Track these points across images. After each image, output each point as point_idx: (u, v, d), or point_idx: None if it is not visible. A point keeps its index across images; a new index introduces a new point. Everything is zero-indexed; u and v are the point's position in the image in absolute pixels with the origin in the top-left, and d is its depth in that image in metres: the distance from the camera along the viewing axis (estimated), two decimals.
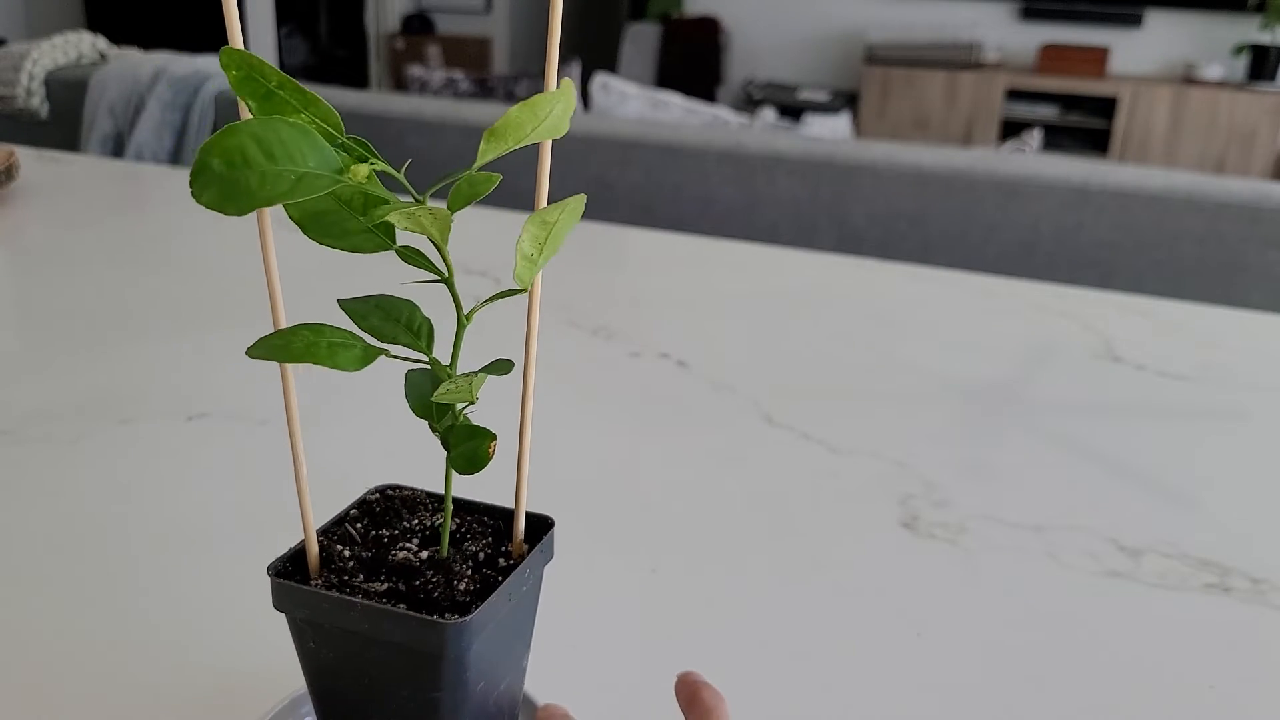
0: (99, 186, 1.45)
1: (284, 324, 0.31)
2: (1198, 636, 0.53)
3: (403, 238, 0.31)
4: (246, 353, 0.29)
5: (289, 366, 0.32)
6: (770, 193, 1.85)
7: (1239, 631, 0.53)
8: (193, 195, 0.26)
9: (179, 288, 1.00)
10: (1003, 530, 0.61)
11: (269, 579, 0.33)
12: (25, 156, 1.43)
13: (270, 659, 0.47)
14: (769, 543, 0.59)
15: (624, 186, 1.73)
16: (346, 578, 0.33)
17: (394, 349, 0.32)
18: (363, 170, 0.28)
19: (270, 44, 4.82)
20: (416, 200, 0.29)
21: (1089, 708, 0.47)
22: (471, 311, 0.32)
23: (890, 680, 0.48)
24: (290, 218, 0.30)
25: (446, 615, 0.31)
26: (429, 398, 0.33)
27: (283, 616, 0.50)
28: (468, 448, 0.33)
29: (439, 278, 0.31)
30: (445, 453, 0.33)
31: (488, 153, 0.29)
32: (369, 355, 0.31)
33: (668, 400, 0.77)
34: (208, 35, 4.48)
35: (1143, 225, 1.60)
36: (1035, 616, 0.54)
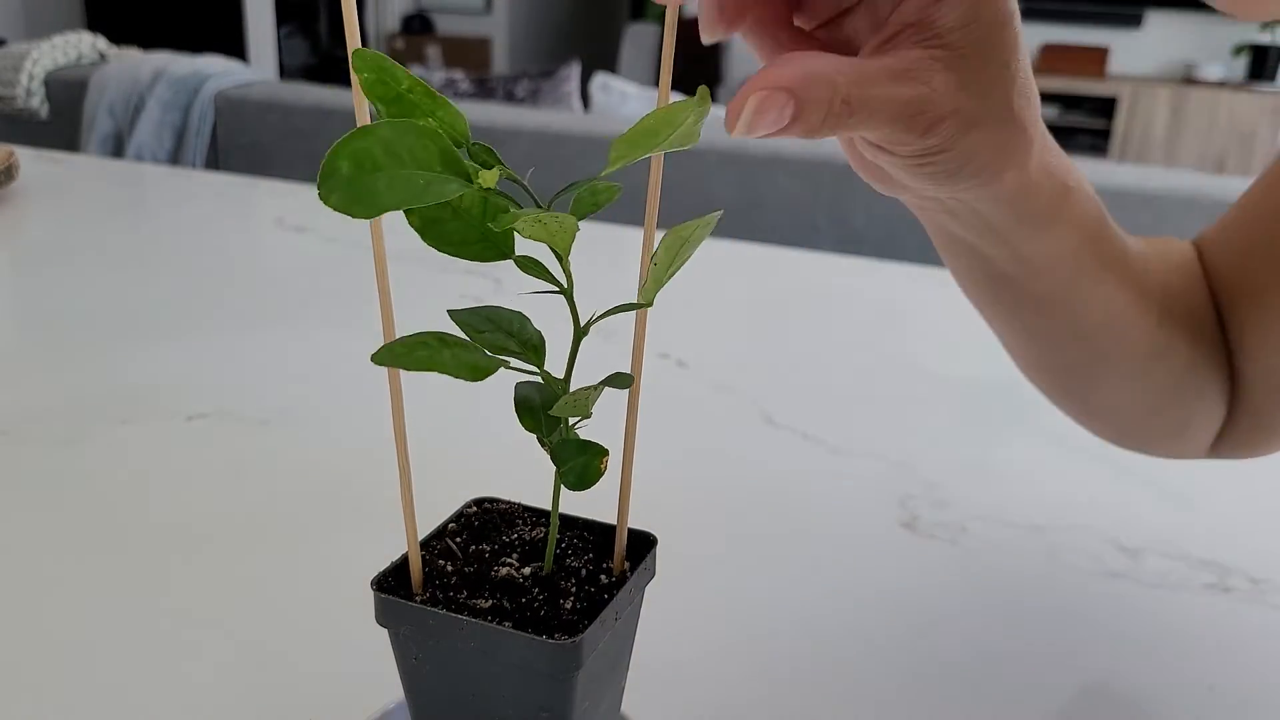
0: (99, 186, 1.45)
1: (396, 334, 0.30)
2: (1198, 636, 0.53)
3: (520, 246, 0.30)
4: (371, 359, 0.29)
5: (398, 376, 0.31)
6: (770, 193, 1.85)
7: (1239, 631, 0.53)
8: (320, 197, 0.25)
9: (179, 288, 1.00)
10: (1003, 530, 0.61)
11: (372, 592, 0.33)
12: (25, 156, 1.43)
13: (271, 661, 0.47)
14: (768, 543, 0.59)
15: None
16: (451, 593, 0.33)
17: (510, 361, 0.32)
18: (491, 176, 0.27)
19: (270, 44, 4.81)
20: (540, 208, 0.29)
21: (1089, 708, 0.47)
22: (589, 323, 0.31)
23: (890, 680, 0.48)
24: (410, 224, 0.29)
25: (557, 635, 0.31)
26: (539, 411, 0.33)
27: (288, 621, 0.50)
28: (579, 463, 0.32)
29: (558, 289, 0.31)
30: (554, 468, 0.33)
31: (618, 160, 0.29)
32: (490, 367, 0.30)
33: (668, 400, 0.77)
34: (208, 35, 4.48)
35: (1143, 225, 1.60)
36: (1035, 616, 0.54)
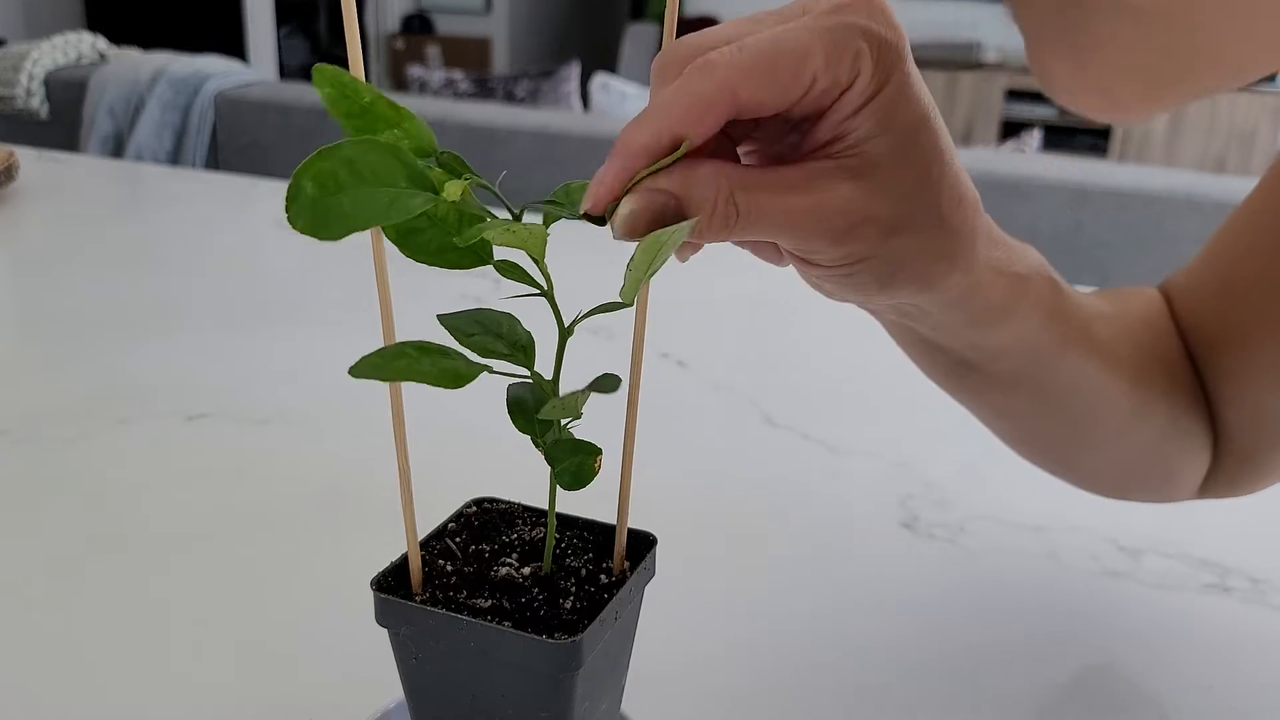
0: (99, 186, 1.45)
1: (396, 335, 0.30)
2: (1198, 636, 0.53)
3: (499, 252, 0.31)
4: (349, 372, 0.28)
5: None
6: None
7: (1239, 631, 0.53)
8: (288, 220, 0.25)
9: (179, 288, 1.00)
10: (1003, 530, 0.61)
11: (372, 593, 0.33)
12: (25, 156, 1.43)
13: (270, 661, 0.47)
14: (768, 543, 0.59)
15: None
16: (450, 593, 0.33)
17: (495, 364, 0.31)
18: (456, 189, 0.27)
19: (270, 44, 4.81)
20: (513, 214, 0.29)
21: (1088, 708, 0.47)
22: (572, 324, 0.31)
23: (889, 680, 0.48)
24: (387, 237, 0.29)
25: (557, 635, 0.31)
26: (532, 413, 0.33)
27: (287, 621, 0.50)
28: (572, 463, 0.33)
29: (539, 291, 0.31)
30: (549, 468, 0.33)
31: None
32: (471, 372, 0.30)
33: (667, 400, 0.77)
34: (208, 35, 4.48)
35: (1143, 225, 1.60)
36: (1035, 617, 0.54)
